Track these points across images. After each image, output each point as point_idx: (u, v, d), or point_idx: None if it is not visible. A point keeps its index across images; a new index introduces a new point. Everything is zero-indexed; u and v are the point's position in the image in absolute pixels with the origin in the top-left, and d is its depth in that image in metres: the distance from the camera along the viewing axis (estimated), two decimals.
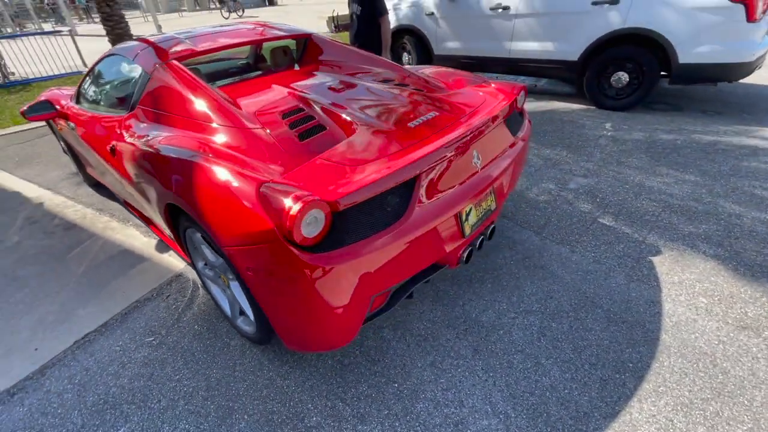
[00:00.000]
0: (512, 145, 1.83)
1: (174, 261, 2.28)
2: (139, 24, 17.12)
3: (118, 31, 6.17)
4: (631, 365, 1.54)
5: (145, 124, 1.84)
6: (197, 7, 25.76)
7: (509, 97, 1.90)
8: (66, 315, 1.94)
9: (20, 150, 4.10)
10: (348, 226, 1.22)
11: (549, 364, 1.57)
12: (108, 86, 2.34)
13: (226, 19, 17.41)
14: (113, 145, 1.97)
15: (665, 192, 2.66)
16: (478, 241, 1.67)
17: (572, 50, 4.16)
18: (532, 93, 4.97)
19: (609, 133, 3.63)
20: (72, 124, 2.46)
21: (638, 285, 1.92)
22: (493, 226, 1.76)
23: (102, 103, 2.33)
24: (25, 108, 2.41)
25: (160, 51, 2.03)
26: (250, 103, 1.82)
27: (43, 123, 4.23)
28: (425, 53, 5.36)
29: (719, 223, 2.31)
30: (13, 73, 7.19)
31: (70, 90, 2.83)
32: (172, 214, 1.66)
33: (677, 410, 1.38)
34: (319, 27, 11.87)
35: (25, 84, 6.87)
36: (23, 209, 2.92)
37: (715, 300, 1.81)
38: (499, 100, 1.86)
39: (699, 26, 3.44)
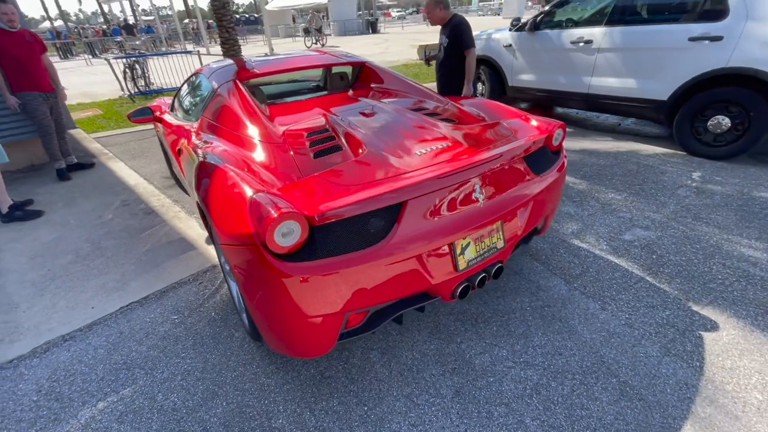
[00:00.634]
0: (532, 184, 1.73)
1: (215, 253, 2.56)
2: (258, 46, 19.68)
3: (231, 52, 7.21)
4: None
5: (203, 132, 2.15)
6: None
7: (539, 134, 1.81)
8: (122, 284, 2.30)
9: (137, 145, 5.00)
10: (326, 241, 1.29)
11: (533, 427, 1.42)
12: (188, 98, 2.77)
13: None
14: (180, 147, 2.33)
15: (747, 259, 2.24)
16: (478, 279, 1.60)
17: (661, 89, 3.76)
18: (613, 132, 4.57)
19: (694, 184, 3.17)
20: (162, 128, 2.96)
21: (674, 361, 1.64)
22: (500, 265, 1.68)
23: (182, 111, 2.77)
24: (131, 112, 2.97)
25: (228, 72, 2.36)
26: (287, 121, 2.02)
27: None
28: (500, 84, 5.29)
29: None
30: (152, 83, 8.78)
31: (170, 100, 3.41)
32: (203, 213, 1.90)
33: None
34: (410, 55, 12.41)
35: (159, 92, 8.35)
36: (123, 193, 3.55)
37: None
38: (525, 136, 1.79)
39: None
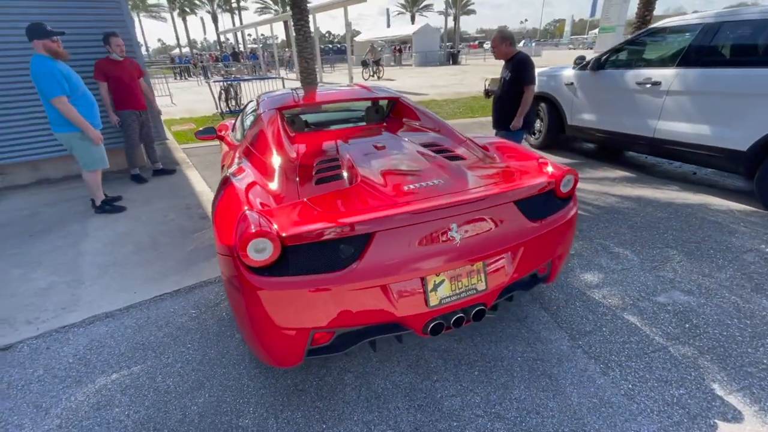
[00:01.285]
0: (524, 229, 1.69)
1: None
2: (343, 74, 21.15)
3: (308, 80, 7.95)
4: None
5: (239, 152, 2.46)
6: (392, 63, 30.22)
7: (542, 180, 1.78)
8: (162, 276, 2.66)
9: (213, 158, 5.71)
10: (296, 260, 1.42)
11: None
12: (241, 121, 3.16)
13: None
14: (224, 164, 2.68)
15: None
16: (454, 318, 1.60)
17: (739, 138, 3.36)
18: (685, 181, 4.12)
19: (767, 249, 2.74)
20: (220, 144, 3.41)
21: None
22: (480, 308, 1.65)
23: (236, 132, 3.16)
24: (198, 130, 3.46)
25: (273, 101, 2.68)
26: (310, 148, 2.23)
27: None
28: (558, 122, 5.10)
29: None
30: (242, 104, 9.98)
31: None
32: None
33: None
34: (480, 88, 12.44)
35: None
36: (189, 198, 4.09)
37: None
38: (525, 181, 1.77)
39: None
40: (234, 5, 47.16)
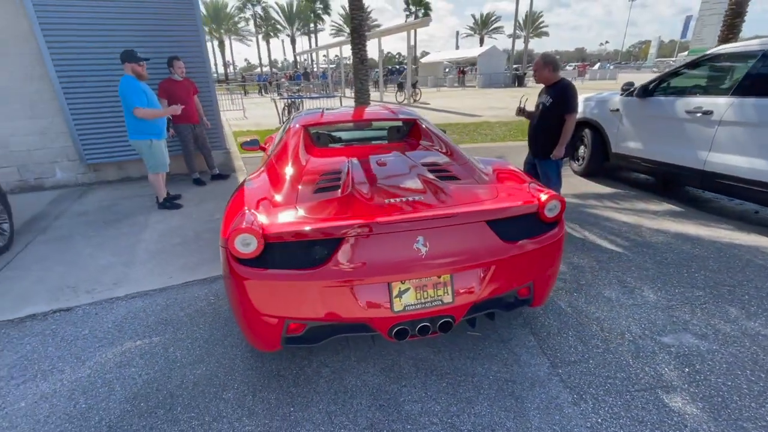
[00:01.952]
0: (496, 249, 1.75)
1: None
2: (393, 94, 21.73)
3: (360, 100, 8.43)
4: None
5: (265, 161, 2.78)
6: (456, 84, 30.45)
7: (521, 203, 1.84)
8: (196, 266, 3.06)
9: None
10: (275, 256, 1.63)
11: None
12: (278, 135, 3.53)
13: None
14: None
15: None
16: (419, 326, 1.71)
17: None
18: (741, 220, 3.73)
19: None
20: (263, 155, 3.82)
21: None
22: (446, 320, 1.73)
23: (272, 145, 3.53)
24: (244, 141, 3.91)
25: (304, 118, 2.99)
26: (319, 161, 2.49)
27: None
28: (602, 149, 4.89)
29: None
30: None
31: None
32: None
33: None
34: None
35: None
36: None
37: None
38: (499, 201, 1.84)
39: None
40: (312, 28, 51.13)
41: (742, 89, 3.44)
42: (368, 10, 54.70)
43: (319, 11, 52.19)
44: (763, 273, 2.76)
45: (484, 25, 56.11)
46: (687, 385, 1.83)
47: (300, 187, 2.09)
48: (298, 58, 40.37)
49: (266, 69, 46.72)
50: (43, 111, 4.88)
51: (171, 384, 1.91)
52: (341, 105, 10.94)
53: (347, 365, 2.01)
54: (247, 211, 1.77)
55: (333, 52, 27.82)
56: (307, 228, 1.61)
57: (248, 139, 3.84)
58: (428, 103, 16.08)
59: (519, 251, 1.79)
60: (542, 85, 3.36)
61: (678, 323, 2.27)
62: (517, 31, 43.68)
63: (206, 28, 41.60)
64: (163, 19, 4.99)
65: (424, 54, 50.62)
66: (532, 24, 46.93)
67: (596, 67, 39.21)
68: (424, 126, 2.97)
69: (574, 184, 4.96)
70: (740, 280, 2.69)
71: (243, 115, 13.02)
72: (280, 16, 52.83)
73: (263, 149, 3.90)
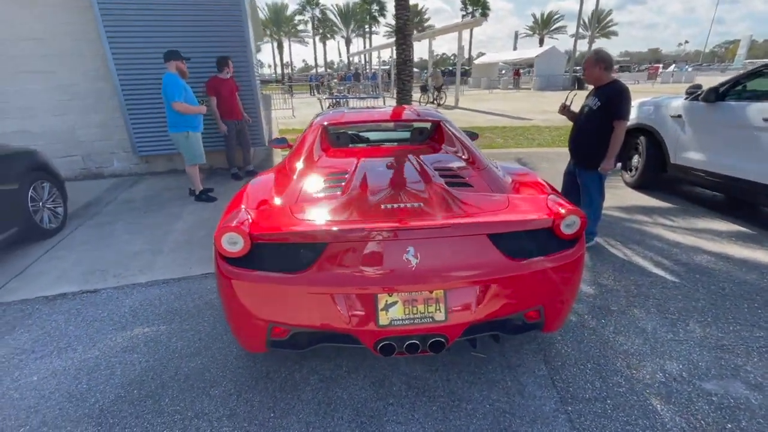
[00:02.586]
0: (498, 267, 1.57)
1: None
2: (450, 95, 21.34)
3: (402, 100, 8.33)
4: None
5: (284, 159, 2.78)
6: (510, 86, 29.32)
7: (534, 217, 1.65)
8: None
9: None
10: (260, 257, 1.59)
11: None
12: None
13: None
14: None
15: None
16: (406, 343, 1.58)
17: None
18: None
19: None
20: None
21: None
22: (438, 340, 1.59)
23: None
24: (272, 139, 3.98)
25: (326, 118, 2.96)
26: (330, 161, 2.43)
27: None
28: (659, 159, 4.38)
29: None
30: None
31: None
32: None
33: None
34: None
35: None
36: None
37: None
38: (507, 214, 1.66)
39: None
40: (367, 30, 51.93)
41: None
42: (423, 10, 54.50)
43: (375, 13, 52.89)
44: None
45: (545, 24, 53.58)
46: None
47: (303, 186, 2.05)
48: (351, 59, 41.20)
49: (321, 70, 48.27)
50: (104, 106, 5.34)
51: (165, 374, 1.95)
52: (384, 104, 10.92)
53: (337, 374, 1.93)
54: (242, 209, 1.75)
55: (385, 54, 28.00)
56: (292, 230, 1.55)
57: (278, 137, 3.91)
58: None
59: (526, 270, 1.60)
60: None
61: (727, 367, 1.92)
62: (581, 31, 41.17)
63: (267, 31, 43.88)
64: (211, 23, 5.25)
65: (480, 55, 49.32)
66: (598, 22, 43.99)
67: (670, 69, 35.20)
68: (447, 129, 2.82)
69: (622, 196, 4.49)
70: None
71: (292, 114, 13.46)
72: (336, 18, 54.32)
73: (291, 147, 3.94)
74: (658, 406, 1.71)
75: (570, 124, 3.27)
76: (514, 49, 52.12)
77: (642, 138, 4.55)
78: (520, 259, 1.60)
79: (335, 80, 26.52)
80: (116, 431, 1.64)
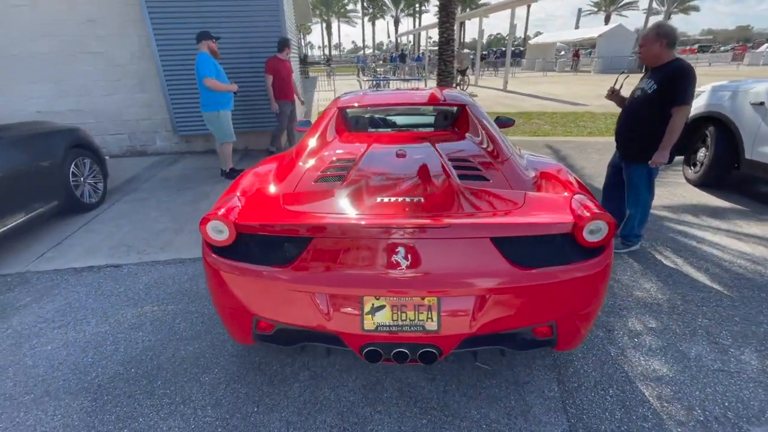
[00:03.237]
0: (502, 275, 1.37)
1: None
2: (493, 78, 20.24)
3: (443, 83, 7.96)
4: None
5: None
6: (567, 69, 27.28)
7: (550, 220, 1.42)
8: None
9: None
10: (245, 247, 1.51)
11: None
12: None
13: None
14: None
15: None
16: (394, 351, 1.45)
17: None
18: None
19: None
20: None
21: None
22: (430, 350, 1.44)
23: None
24: (298, 121, 3.90)
25: (343, 100, 2.82)
26: (340, 146, 2.30)
27: None
28: (731, 154, 3.78)
29: None
30: None
31: None
32: None
33: None
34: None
35: None
36: None
37: None
38: (520, 215, 1.44)
39: None
40: (416, 9, 50.41)
41: None
42: None
43: None
44: None
45: (612, 0, 48.87)
46: None
47: (304, 174, 1.94)
48: (399, 39, 40.34)
49: (369, 51, 47.82)
50: (148, 86, 5.56)
51: (163, 355, 1.97)
52: (425, 86, 10.54)
53: (328, 373, 1.84)
54: (234, 196, 1.67)
55: (434, 34, 27.01)
56: (274, 222, 1.45)
57: (303, 120, 3.84)
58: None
59: (535, 281, 1.38)
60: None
61: None
62: (655, 6, 37.10)
63: (315, 11, 43.96)
64: (247, 8, 5.25)
65: (537, 35, 46.18)
66: None
67: (762, 48, 29.63)
68: (472, 114, 2.56)
69: (682, 195, 3.96)
70: None
71: (334, 96, 13.44)
72: None
73: None
74: None
75: None
76: (576, 27, 48.20)
77: (712, 128, 3.94)
78: (529, 268, 1.38)
79: (380, 61, 26.10)
80: (108, 408, 1.67)
